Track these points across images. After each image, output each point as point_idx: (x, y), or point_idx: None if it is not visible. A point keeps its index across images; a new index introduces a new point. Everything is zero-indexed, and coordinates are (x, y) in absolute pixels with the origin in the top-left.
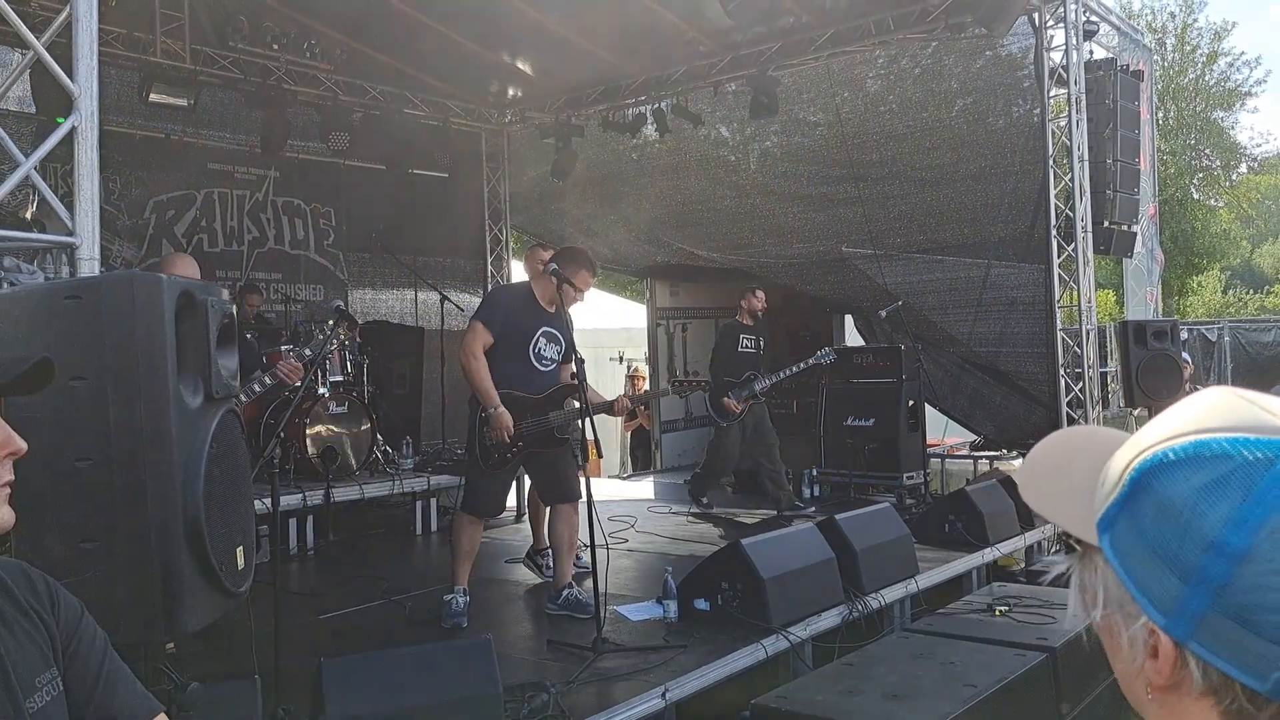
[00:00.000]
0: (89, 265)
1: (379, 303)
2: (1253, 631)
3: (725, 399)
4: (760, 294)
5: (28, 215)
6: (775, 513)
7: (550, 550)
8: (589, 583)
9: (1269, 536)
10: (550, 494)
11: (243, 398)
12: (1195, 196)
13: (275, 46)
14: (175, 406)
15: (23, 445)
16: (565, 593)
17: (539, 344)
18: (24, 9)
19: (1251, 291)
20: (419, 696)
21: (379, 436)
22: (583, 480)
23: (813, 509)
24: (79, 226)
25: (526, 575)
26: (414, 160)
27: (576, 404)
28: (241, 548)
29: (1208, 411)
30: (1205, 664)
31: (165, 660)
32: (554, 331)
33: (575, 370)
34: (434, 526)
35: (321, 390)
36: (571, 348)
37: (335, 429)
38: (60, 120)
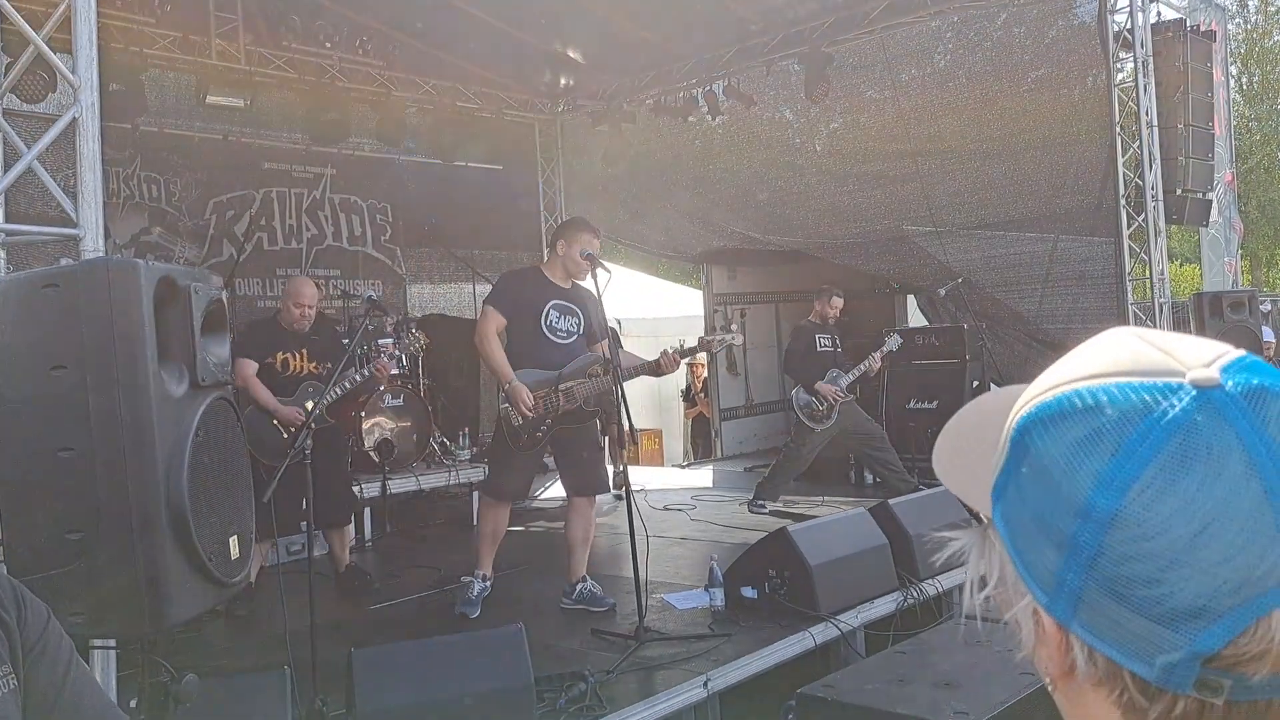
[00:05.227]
0: (92, 257)
1: (438, 296)
2: (1129, 608)
3: (819, 385)
4: (838, 301)
5: None
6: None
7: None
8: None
9: (1138, 496)
10: (571, 484)
11: (337, 391)
12: None
13: (328, 44)
14: (156, 394)
15: None
16: (579, 587)
17: (550, 317)
18: (23, 5)
19: None
20: (450, 687)
21: (436, 428)
22: (612, 469)
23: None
24: (82, 218)
25: None
26: (468, 153)
27: (607, 377)
28: (235, 537)
29: (1097, 355)
30: (1090, 648)
31: (160, 652)
32: (568, 305)
33: (608, 345)
34: None
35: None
36: (593, 322)
37: (392, 421)
38: None
